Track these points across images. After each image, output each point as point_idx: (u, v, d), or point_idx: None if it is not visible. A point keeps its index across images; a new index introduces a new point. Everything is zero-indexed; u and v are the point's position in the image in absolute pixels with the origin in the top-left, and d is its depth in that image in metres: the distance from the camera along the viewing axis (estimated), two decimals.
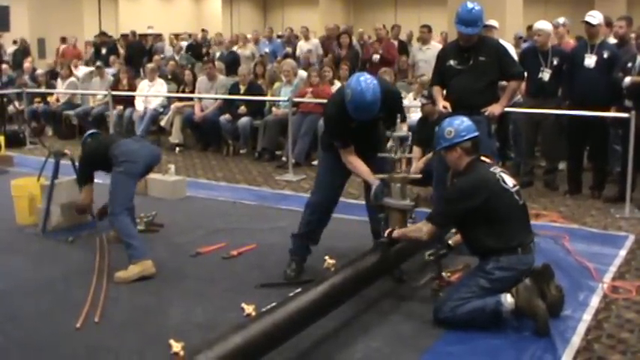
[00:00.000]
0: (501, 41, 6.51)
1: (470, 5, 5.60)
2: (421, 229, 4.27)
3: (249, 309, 3.51)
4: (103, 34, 17.90)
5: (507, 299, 4.02)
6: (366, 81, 4.39)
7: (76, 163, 5.97)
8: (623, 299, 4.53)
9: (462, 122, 4.37)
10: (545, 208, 6.81)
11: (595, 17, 7.07)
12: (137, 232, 5.30)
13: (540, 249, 5.36)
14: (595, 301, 4.48)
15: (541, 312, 3.96)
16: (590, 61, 7.06)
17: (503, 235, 4.10)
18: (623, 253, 5.46)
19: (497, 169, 4.29)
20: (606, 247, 5.57)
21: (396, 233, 4.41)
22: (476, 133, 4.33)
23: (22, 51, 16.47)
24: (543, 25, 7.60)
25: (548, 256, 5.18)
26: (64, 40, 16.11)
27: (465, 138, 4.27)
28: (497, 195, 4.14)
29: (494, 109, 5.71)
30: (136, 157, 5.32)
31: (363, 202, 5.07)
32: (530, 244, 4.21)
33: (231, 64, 12.53)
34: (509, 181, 4.22)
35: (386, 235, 4.47)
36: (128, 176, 5.28)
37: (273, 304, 3.57)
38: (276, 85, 10.27)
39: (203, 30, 19.57)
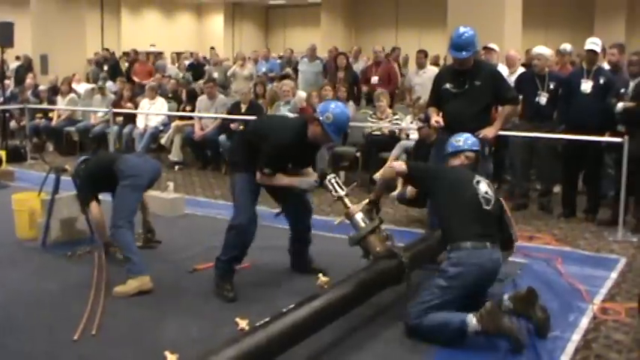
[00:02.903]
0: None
1: (462, 30, 5.73)
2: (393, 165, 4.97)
3: (242, 323, 3.57)
4: (105, 50, 18.01)
5: (472, 321, 4.01)
6: (339, 104, 4.90)
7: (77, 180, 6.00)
8: (613, 320, 4.59)
9: (469, 137, 5.02)
10: (539, 231, 6.88)
11: (598, 45, 7.22)
12: (137, 248, 5.34)
13: (533, 271, 5.50)
14: (584, 322, 4.54)
15: (508, 330, 3.98)
16: (586, 86, 7.17)
17: (458, 226, 4.32)
18: (614, 275, 5.53)
19: (481, 177, 4.59)
20: (598, 270, 5.64)
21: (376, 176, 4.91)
22: (478, 148, 5.00)
23: (25, 67, 16.59)
24: (543, 50, 7.72)
25: (541, 278, 5.28)
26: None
27: (472, 148, 4.92)
28: (464, 187, 4.47)
29: (488, 132, 5.82)
30: (141, 171, 5.45)
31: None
32: (487, 243, 4.26)
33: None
34: (484, 188, 4.49)
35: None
36: (134, 190, 5.37)
37: (267, 319, 3.62)
38: (275, 104, 10.34)
39: (212, 48, 19.56)
